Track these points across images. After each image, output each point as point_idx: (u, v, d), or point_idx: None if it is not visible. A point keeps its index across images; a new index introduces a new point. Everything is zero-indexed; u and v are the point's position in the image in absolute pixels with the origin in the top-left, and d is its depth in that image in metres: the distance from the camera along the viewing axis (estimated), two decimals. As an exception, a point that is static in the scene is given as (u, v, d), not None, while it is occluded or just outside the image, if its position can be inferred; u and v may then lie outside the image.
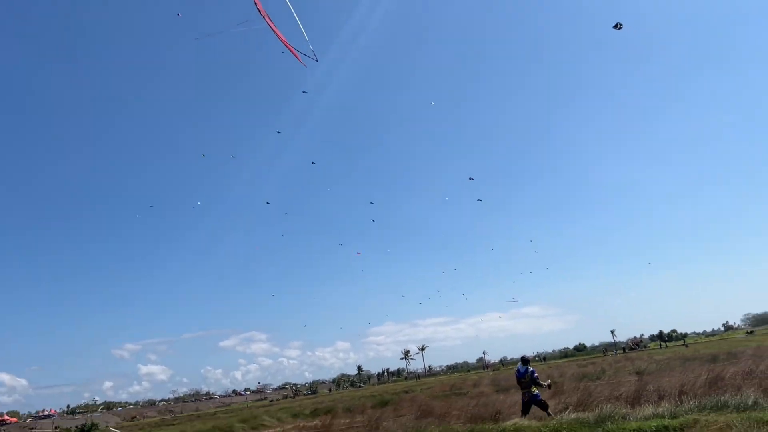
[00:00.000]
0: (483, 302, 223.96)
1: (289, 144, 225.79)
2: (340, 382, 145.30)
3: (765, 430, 6.83)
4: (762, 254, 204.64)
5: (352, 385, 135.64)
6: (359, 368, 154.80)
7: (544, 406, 12.98)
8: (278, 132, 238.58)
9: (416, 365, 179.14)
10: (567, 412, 11.72)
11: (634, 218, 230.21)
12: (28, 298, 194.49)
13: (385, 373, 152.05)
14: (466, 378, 68.63)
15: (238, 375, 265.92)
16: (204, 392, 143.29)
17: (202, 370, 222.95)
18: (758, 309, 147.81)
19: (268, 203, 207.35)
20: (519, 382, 13.55)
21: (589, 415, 10.57)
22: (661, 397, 14.00)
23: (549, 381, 14.07)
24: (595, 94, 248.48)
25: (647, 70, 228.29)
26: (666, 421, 9.65)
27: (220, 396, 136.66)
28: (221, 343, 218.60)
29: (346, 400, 54.65)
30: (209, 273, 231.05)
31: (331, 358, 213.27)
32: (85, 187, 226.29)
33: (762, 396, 11.05)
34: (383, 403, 36.58)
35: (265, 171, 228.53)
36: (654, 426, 9.32)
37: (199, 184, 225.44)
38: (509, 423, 10.83)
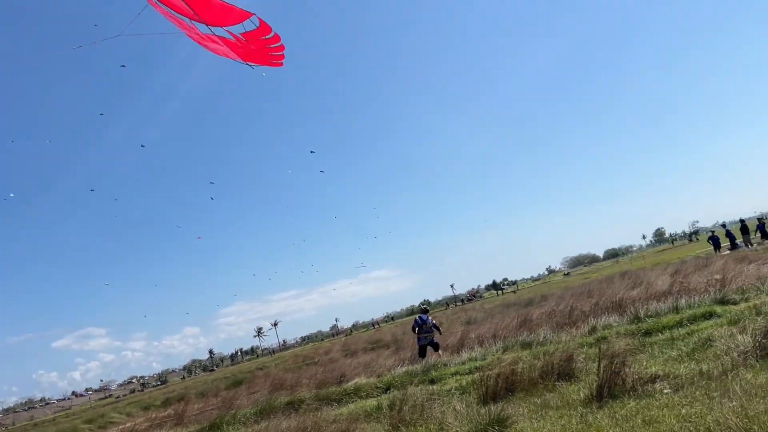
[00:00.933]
0: (333, 271, 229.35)
1: (115, 127, 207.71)
2: (192, 368, 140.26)
3: (542, 360, 8.66)
4: (575, 204, 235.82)
5: (205, 369, 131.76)
6: (211, 352, 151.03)
7: (437, 347, 15.52)
8: (101, 114, 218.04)
9: (271, 341, 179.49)
10: (400, 366, 13.32)
11: (466, 179, 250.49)
12: None
13: (239, 353, 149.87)
14: (319, 347, 70.58)
15: (76, 375, 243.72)
16: (38, 399, 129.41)
17: (34, 375, 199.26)
18: (574, 252, 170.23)
19: (92, 191, 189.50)
20: (420, 329, 15.70)
21: (418, 367, 12.22)
22: (480, 343, 16.35)
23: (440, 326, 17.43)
24: (417, 63, 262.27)
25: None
26: (478, 363, 11.57)
27: (57, 400, 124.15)
28: (54, 344, 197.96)
29: (198, 385, 53.48)
30: (29, 271, 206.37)
31: (180, 345, 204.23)
32: None
33: (551, 332, 13.58)
34: (237, 383, 36.69)
35: (85, 155, 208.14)
36: (467, 368, 11.17)
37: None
38: (351, 383, 12.08)
